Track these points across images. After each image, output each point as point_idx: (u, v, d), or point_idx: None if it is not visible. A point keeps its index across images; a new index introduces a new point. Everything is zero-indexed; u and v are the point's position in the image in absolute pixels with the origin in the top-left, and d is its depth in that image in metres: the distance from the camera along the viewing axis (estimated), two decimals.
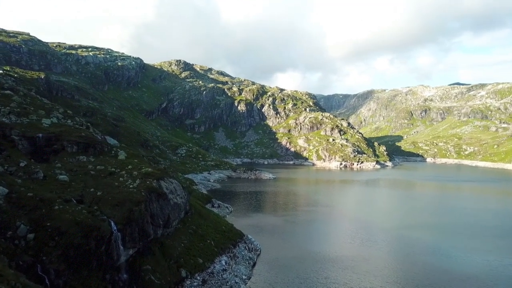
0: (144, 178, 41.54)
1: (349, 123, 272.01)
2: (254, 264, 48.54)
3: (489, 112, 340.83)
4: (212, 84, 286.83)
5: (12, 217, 28.55)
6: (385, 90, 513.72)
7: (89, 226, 30.24)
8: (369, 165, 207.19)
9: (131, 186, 38.94)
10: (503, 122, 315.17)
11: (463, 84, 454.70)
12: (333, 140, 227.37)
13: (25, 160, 38.10)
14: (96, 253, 29.93)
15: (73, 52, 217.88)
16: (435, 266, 49.66)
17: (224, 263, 43.61)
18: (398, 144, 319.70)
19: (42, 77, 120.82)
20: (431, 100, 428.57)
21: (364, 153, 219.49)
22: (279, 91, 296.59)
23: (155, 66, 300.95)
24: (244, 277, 43.00)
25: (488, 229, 71.95)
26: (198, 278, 38.33)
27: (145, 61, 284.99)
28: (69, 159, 42.90)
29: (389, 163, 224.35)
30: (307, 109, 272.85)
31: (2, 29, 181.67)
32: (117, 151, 50.18)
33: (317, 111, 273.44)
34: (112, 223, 32.41)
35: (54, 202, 31.53)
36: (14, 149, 39.63)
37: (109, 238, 31.24)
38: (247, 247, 51.22)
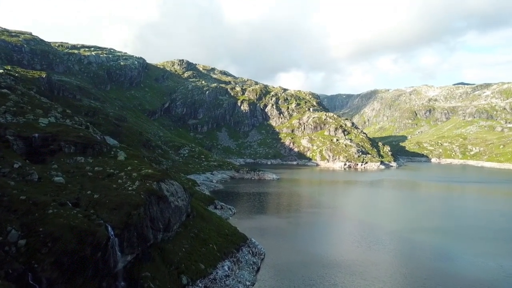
0: (144, 180, 39.92)
1: (353, 123, 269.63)
2: (258, 269, 46.77)
3: (495, 112, 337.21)
4: (215, 84, 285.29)
5: (3, 222, 26.98)
6: (388, 90, 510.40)
7: (85, 231, 28.62)
8: (374, 165, 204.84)
9: (130, 188, 37.32)
10: (509, 122, 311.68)
11: (467, 84, 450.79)
12: (337, 140, 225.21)
13: (20, 161, 36.55)
14: (91, 260, 28.25)
15: (76, 51, 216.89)
16: (446, 271, 47.75)
17: (227, 269, 41.87)
18: (402, 144, 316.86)
19: (44, 76, 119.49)
20: (436, 100, 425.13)
21: (368, 154, 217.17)
22: (282, 91, 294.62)
23: (158, 66, 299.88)
24: (248, 283, 41.27)
25: (498, 231, 69.88)
26: (200, 285, 36.61)
27: (148, 61, 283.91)
28: (66, 160, 41.35)
29: (393, 164, 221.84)
30: (311, 109, 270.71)
31: (4, 28, 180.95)
32: (116, 151, 48.59)
33: (321, 111, 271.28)
34: (109, 228, 30.77)
35: (48, 206, 29.95)
36: (9, 149, 38.11)
37: (106, 243, 29.56)
38: (250, 251, 49.46)
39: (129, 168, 42.88)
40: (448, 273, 47.25)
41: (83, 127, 53.34)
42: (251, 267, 45.77)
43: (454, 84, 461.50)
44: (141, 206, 35.18)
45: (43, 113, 49.72)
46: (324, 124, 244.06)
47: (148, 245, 35.24)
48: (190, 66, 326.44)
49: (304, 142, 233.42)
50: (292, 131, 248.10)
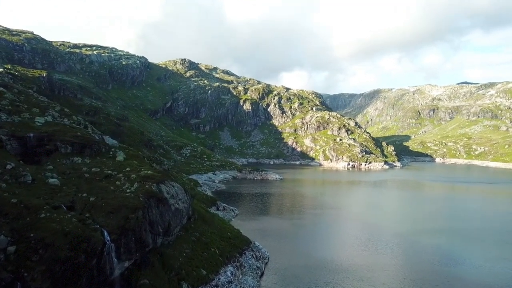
0: (143, 181, 38.22)
1: (356, 123, 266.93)
2: (262, 274, 45.02)
3: (499, 112, 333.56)
4: (217, 83, 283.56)
5: None
6: (392, 90, 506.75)
7: (79, 237, 26.91)
8: (377, 165, 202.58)
9: (128, 190, 35.63)
10: None
11: (471, 83, 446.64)
12: (340, 140, 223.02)
13: (13, 162, 34.94)
14: (86, 267, 26.54)
15: (77, 51, 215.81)
16: (456, 277, 45.90)
17: (229, 274, 40.12)
18: (406, 144, 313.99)
19: (44, 75, 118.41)
20: (439, 99, 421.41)
21: (372, 153, 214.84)
22: (285, 90, 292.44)
23: (160, 65, 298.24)
24: None
25: (508, 234, 67.83)
26: None
27: (151, 60, 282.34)
28: (62, 161, 39.72)
29: (397, 164, 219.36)
30: (314, 108, 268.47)
31: (5, 27, 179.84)
32: (115, 151, 46.90)
33: (324, 111, 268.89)
34: (105, 233, 29.09)
35: (40, 209, 28.27)
36: (2, 150, 36.49)
37: (101, 250, 27.84)
38: (254, 255, 47.68)
39: (128, 169, 41.19)
40: (459, 278, 45.44)
41: (82, 126, 51.73)
42: (254, 272, 44.04)
43: (458, 84, 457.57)
44: (140, 209, 33.50)
45: (40, 112, 48.12)
46: (327, 124, 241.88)
47: (147, 250, 33.52)
48: (192, 65, 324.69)
49: (307, 141, 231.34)
50: (295, 130, 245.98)
